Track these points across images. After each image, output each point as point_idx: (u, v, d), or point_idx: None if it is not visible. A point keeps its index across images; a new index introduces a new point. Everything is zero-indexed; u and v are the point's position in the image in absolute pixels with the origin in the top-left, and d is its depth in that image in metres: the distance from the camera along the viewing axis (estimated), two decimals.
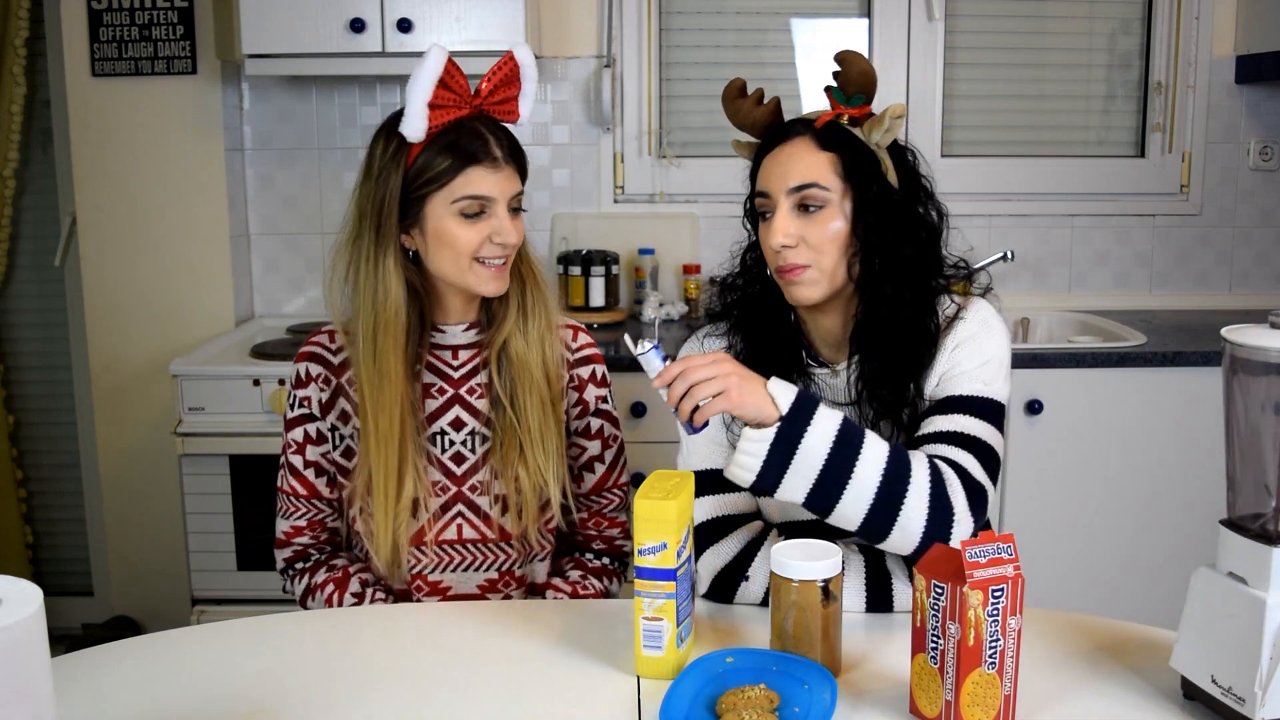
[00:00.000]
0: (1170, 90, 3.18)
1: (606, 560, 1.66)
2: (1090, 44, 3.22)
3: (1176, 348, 2.65)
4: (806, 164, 1.40)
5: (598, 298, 2.99)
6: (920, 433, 1.41)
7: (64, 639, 3.01)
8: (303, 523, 1.59)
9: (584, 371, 1.65)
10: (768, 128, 1.47)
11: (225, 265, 3.02)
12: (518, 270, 1.58)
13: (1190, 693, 1.17)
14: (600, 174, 3.18)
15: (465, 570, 1.59)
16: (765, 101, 1.47)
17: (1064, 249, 3.23)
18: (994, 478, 1.39)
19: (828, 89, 1.44)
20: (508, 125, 1.54)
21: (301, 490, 1.59)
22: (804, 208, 1.40)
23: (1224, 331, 1.13)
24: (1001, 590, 1.09)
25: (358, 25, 2.67)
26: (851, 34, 3.18)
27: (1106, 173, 3.23)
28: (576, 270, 2.98)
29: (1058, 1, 3.19)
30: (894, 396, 1.41)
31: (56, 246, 3.18)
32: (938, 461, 1.33)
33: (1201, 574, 1.16)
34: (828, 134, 1.41)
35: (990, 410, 1.41)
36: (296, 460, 1.59)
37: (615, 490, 1.67)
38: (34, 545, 3.32)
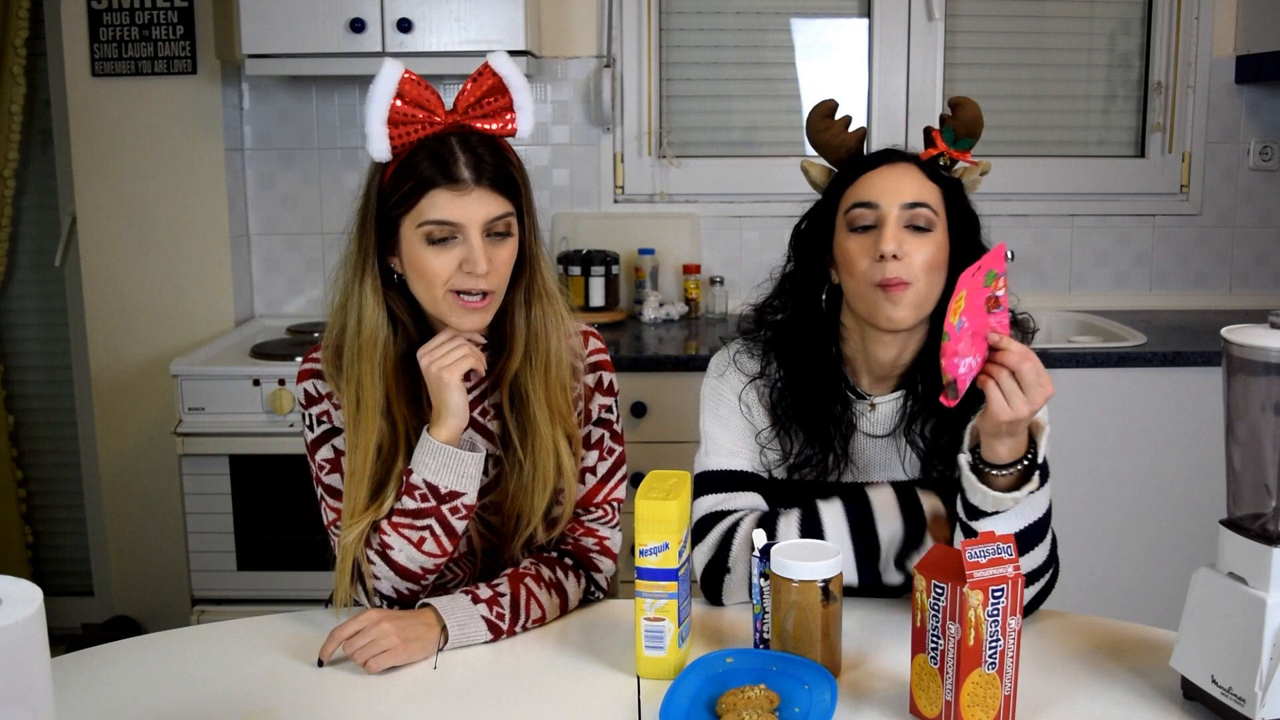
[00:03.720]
0: (1170, 90, 3.18)
1: (570, 561, 1.50)
2: (1090, 44, 3.22)
3: (1176, 348, 2.65)
4: (917, 185, 1.42)
5: (598, 298, 2.99)
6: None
7: (64, 639, 3.01)
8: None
9: (590, 379, 1.52)
10: (852, 154, 1.48)
11: (225, 265, 3.02)
12: (527, 292, 1.46)
13: (1190, 693, 1.17)
14: (600, 174, 3.17)
15: (472, 579, 1.54)
16: (854, 128, 1.49)
17: (1064, 249, 3.23)
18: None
19: (935, 129, 1.47)
20: (508, 139, 1.42)
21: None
22: (913, 227, 1.40)
23: (1224, 331, 1.13)
24: (1001, 591, 1.09)
25: (358, 25, 2.67)
26: (851, 34, 3.18)
27: (1106, 173, 3.23)
28: (576, 270, 2.98)
29: (1058, 1, 3.19)
30: (946, 437, 1.43)
31: (56, 246, 3.18)
32: None
33: (1201, 574, 1.16)
34: (934, 167, 1.45)
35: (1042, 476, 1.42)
36: (333, 480, 1.47)
37: (607, 504, 1.53)
38: (34, 545, 3.32)
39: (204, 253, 3.00)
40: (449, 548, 1.42)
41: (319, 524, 1.52)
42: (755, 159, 3.20)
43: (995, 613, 1.09)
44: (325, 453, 1.48)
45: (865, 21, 3.16)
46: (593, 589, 1.51)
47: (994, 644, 1.10)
